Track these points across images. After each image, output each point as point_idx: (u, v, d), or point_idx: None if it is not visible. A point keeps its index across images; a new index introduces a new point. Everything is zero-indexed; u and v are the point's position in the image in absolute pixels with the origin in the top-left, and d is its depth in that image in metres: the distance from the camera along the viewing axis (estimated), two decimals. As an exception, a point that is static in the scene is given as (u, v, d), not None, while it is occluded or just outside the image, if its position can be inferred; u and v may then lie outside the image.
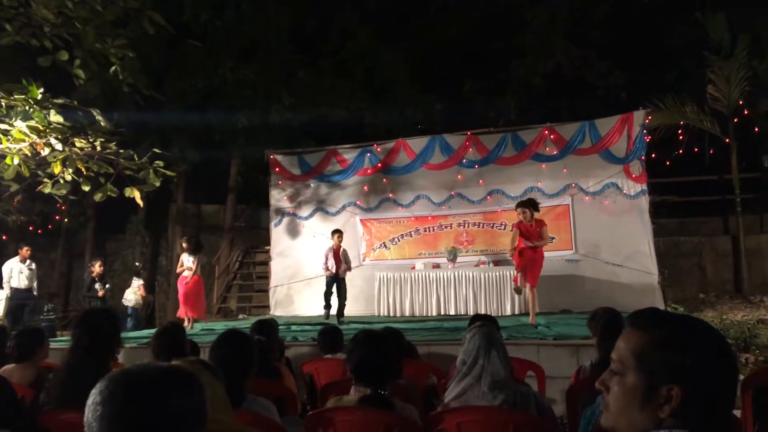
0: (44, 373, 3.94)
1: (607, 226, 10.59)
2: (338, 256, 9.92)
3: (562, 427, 2.98)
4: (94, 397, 1.05)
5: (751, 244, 12.29)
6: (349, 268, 10.08)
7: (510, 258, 9.21)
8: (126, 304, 11.92)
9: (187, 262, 10.50)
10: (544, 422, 2.52)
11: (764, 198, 13.05)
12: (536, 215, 8.44)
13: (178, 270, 10.45)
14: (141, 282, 12.26)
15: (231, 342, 2.71)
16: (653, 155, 11.26)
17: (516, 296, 10.18)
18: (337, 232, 10.16)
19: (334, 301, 9.95)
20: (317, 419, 2.67)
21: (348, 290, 10.11)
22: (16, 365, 3.99)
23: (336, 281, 9.91)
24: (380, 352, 2.65)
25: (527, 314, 9.37)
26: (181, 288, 10.41)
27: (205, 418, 1.10)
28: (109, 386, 1.05)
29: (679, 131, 12.02)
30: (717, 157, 12.33)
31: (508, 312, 10.00)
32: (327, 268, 9.88)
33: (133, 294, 12.05)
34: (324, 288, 9.98)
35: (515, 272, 9.00)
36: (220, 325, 10.28)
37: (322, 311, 10.83)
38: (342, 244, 10.13)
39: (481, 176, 11.36)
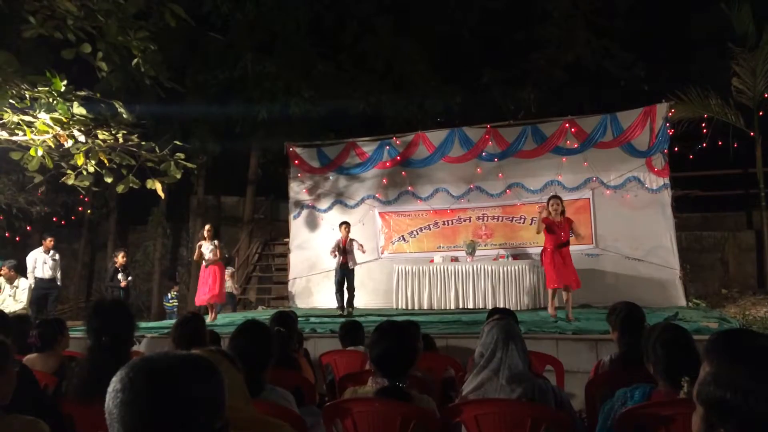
0: (66, 363, 3.99)
1: (628, 220, 10.48)
2: (345, 249, 9.96)
3: (580, 421, 2.96)
4: (114, 384, 1.06)
5: (775, 239, 12.08)
6: (354, 261, 10.08)
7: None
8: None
9: (207, 250, 10.60)
10: (563, 415, 2.51)
11: (789, 192, 12.81)
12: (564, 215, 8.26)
13: (196, 258, 10.52)
14: (232, 269, 12.42)
15: (250, 332, 2.72)
16: (676, 148, 11.10)
17: (535, 291, 10.14)
18: (344, 224, 10.19)
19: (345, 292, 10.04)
20: (335, 410, 2.69)
21: (366, 283, 10.18)
22: (39, 354, 4.06)
23: (344, 273, 9.95)
24: (404, 345, 2.66)
25: (545, 309, 9.33)
26: (205, 276, 10.48)
27: (224, 406, 1.12)
28: (129, 374, 1.06)
29: (703, 124, 11.82)
30: (741, 150, 12.12)
31: (527, 306, 9.94)
32: (335, 254, 9.95)
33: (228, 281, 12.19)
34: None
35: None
36: (239, 316, 10.37)
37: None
38: (355, 237, 10.19)
39: (501, 169, 11.30)
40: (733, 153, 11.94)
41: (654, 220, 10.37)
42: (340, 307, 10.04)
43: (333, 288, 11.43)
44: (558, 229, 8.12)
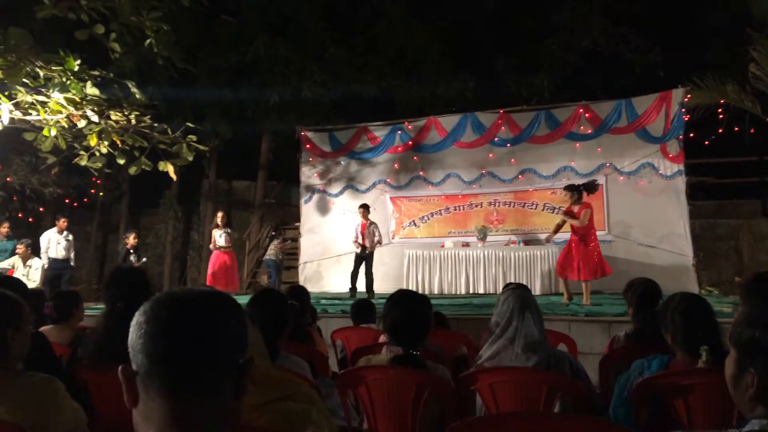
0: (81, 335, 4.02)
1: (641, 206, 10.41)
2: (364, 232, 9.99)
3: (597, 392, 2.94)
4: (138, 316, 1.06)
5: (791, 227, 11.98)
6: (373, 244, 10.08)
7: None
8: (268, 257, 12.86)
9: (219, 238, 10.67)
10: (578, 384, 2.49)
11: (805, 180, 12.68)
12: (586, 199, 8.16)
13: (211, 246, 10.64)
14: (278, 241, 12.84)
15: (267, 300, 2.72)
16: (691, 135, 10.98)
17: (546, 276, 10.11)
18: (361, 207, 10.20)
19: (360, 283, 10.06)
20: (349, 378, 2.68)
21: (377, 268, 10.16)
22: (54, 326, 4.08)
23: (363, 258, 9.96)
24: (418, 312, 2.64)
25: (557, 294, 9.32)
26: (214, 263, 10.59)
27: (247, 343, 1.10)
28: (154, 306, 1.05)
29: (719, 110, 11.67)
30: (757, 137, 11.97)
31: (538, 292, 9.91)
32: (357, 243, 9.95)
33: (272, 249, 12.74)
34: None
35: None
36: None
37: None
38: (370, 219, 10.18)
39: (513, 155, 11.24)
40: (749, 140, 11.79)
41: (668, 207, 10.29)
42: (352, 288, 10.05)
43: (344, 272, 11.53)
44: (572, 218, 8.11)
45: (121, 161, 8.67)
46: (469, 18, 15.74)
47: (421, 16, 15.29)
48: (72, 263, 11.11)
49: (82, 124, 7.86)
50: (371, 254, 10.09)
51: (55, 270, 10.68)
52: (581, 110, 10.71)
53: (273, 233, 13.33)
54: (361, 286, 10.10)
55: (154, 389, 1.00)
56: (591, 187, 8.30)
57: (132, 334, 1.04)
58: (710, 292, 10.36)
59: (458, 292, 10.55)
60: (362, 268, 10.10)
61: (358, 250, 10.05)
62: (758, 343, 1.15)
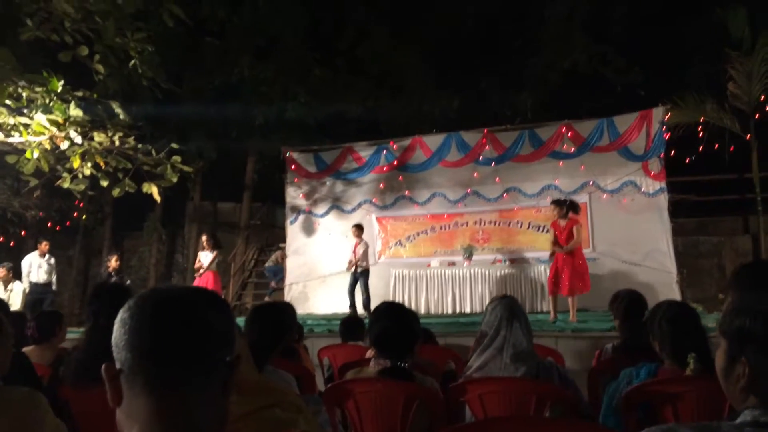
0: (63, 355, 3.95)
1: (625, 224, 10.47)
2: (355, 251, 10.05)
3: (586, 402, 2.93)
4: (123, 313, 1.04)
5: (772, 243, 12.09)
6: (361, 263, 10.12)
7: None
8: (269, 265, 13.43)
9: (205, 259, 10.59)
10: (568, 393, 2.48)
11: (785, 197, 12.83)
12: (572, 215, 8.25)
13: (196, 266, 10.56)
14: (281, 252, 13.17)
15: (266, 313, 2.72)
16: (672, 153, 11.12)
17: (533, 295, 10.14)
18: (354, 227, 10.26)
19: (358, 299, 10.14)
20: (336, 392, 2.65)
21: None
22: (36, 346, 4.01)
23: (355, 276, 10.02)
24: (402, 324, 2.62)
25: (544, 312, 9.32)
26: (199, 284, 10.49)
27: (234, 340, 1.08)
28: (138, 301, 1.03)
29: (699, 128, 11.85)
30: (737, 155, 12.14)
31: (526, 310, 9.88)
32: (350, 263, 10.13)
33: (274, 257, 13.37)
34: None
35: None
36: (239, 320, 10.29)
37: (338, 309, 10.95)
38: (363, 239, 10.34)
39: (498, 174, 11.29)
40: (729, 157, 11.96)
41: (651, 225, 10.36)
42: (351, 305, 10.12)
43: (330, 293, 11.57)
44: (559, 233, 8.15)
45: (105, 183, 8.61)
46: (452, 38, 15.94)
47: (405, 36, 15.46)
48: (54, 287, 10.97)
49: (65, 145, 7.81)
50: (365, 272, 10.09)
51: (37, 294, 10.54)
52: (564, 129, 10.82)
53: (281, 245, 13.51)
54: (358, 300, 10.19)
55: (138, 386, 0.98)
56: (575, 207, 8.39)
57: (116, 331, 1.02)
58: (695, 308, 10.41)
59: (445, 312, 10.53)
60: (358, 286, 10.18)
61: (352, 270, 10.07)
62: (748, 331, 1.14)
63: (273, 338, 2.65)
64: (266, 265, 13.69)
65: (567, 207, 8.24)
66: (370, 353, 3.35)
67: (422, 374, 2.78)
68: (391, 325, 2.58)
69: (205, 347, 1.01)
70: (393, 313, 2.66)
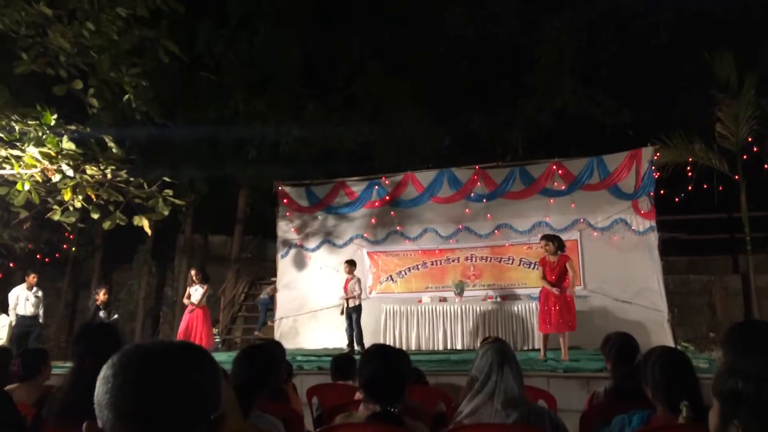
0: (48, 393, 3.88)
1: (615, 262, 10.50)
2: (347, 287, 10.02)
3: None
4: (105, 371, 1.02)
5: (762, 283, 12.15)
6: (354, 300, 10.08)
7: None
8: (262, 297, 13.58)
9: (194, 293, 10.51)
10: (560, 441, 2.45)
11: (774, 237, 12.96)
12: (561, 253, 8.28)
13: (185, 301, 10.48)
14: (273, 286, 13.15)
15: (251, 356, 2.69)
16: (662, 192, 11.25)
17: (524, 332, 10.09)
18: (346, 263, 10.24)
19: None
20: (325, 437, 2.61)
21: (354, 323, 10.16)
22: (21, 384, 3.95)
23: (348, 312, 10.04)
24: (392, 367, 2.59)
25: (535, 350, 9.27)
26: (186, 320, 10.39)
27: (219, 398, 1.07)
28: (122, 359, 1.02)
29: (688, 168, 12.01)
30: (726, 194, 12.29)
31: (516, 347, 9.85)
32: (343, 299, 10.11)
33: (266, 294, 13.40)
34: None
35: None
36: (224, 356, 10.17)
37: (329, 345, 10.88)
38: (355, 274, 10.30)
39: (489, 210, 11.34)
40: (718, 197, 12.09)
41: (641, 263, 10.39)
42: (349, 344, 10.06)
43: (320, 329, 11.52)
44: (549, 270, 8.14)
45: (96, 216, 8.56)
46: (444, 77, 16.18)
47: (398, 74, 15.67)
48: (41, 320, 10.84)
49: (56, 178, 7.79)
50: (357, 308, 10.05)
51: (23, 327, 10.41)
52: (554, 167, 10.91)
53: (272, 279, 13.47)
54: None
55: None
56: (563, 243, 8.43)
57: (98, 388, 1.00)
58: (686, 347, 10.40)
59: (436, 348, 10.45)
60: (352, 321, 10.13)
61: (344, 305, 10.02)
62: (741, 393, 1.14)
63: (260, 381, 2.62)
64: (260, 297, 13.67)
65: (558, 243, 8.27)
66: (359, 395, 3.31)
67: (413, 419, 2.75)
68: (381, 369, 2.55)
69: (189, 407, 1.00)
70: (383, 357, 2.63)
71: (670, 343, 9.69)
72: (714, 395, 1.22)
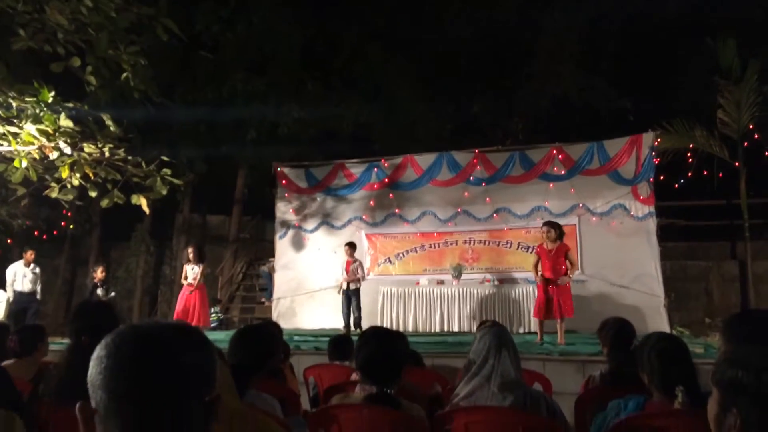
0: (45, 370, 3.89)
1: (614, 247, 10.51)
2: (349, 270, 10.02)
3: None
4: (99, 350, 1.00)
5: (759, 269, 12.18)
6: (356, 281, 10.11)
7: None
8: (263, 269, 13.75)
9: (191, 272, 10.48)
10: (555, 424, 2.46)
11: (773, 224, 12.97)
12: (560, 241, 8.24)
13: (183, 282, 10.46)
14: (271, 264, 13.18)
15: (250, 336, 2.68)
16: (662, 178, 11.20)
17: (521, 315, 10.13)
18: (347, 245, 10.23)
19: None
20: (322, 417, 2.62)
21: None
22: (17, 360, 3.96)
23: (348, 294, 10.01)
24: (389, 349, 2.59)
25: (531, 333, 9.30)
26: (183, 299, 10.37)
27: (214, 380, 1.06)
28: (116, 339, 1.00)
29: (688, 154, 11.98)
30: (726, 181, 12.28)
31: (512, 331, 9.89)
32: (344, 281, 10.11)
33: (267, 268, 13.49)
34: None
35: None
36: (222, 335, 10.20)
37: (326, 325, 10.90)
38: (355, 257, 10.34)
39: (488, 194, 11.32)
40: (718, 184, 12.08)
41: (639, 248, 10.40)
42: (346, 326, 10.07)
43: (317, 309, 11.54)
44: (546, 258, 8.12)
45: (93, 194, 8.55)
46: (446, 60, 16.07)
47: (399, 57, 15.55)
48: (38, 297, 10.84)
49: (54, 155, 7.76)
50: (357, 290, 10.08)
51: (21, 303, 10.42)
52: (555, 151, 10.86)
53: (270, 259, 13.48)
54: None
55: (113, 428, 0.95)
56: (562, 231, 8.41)
57: (92, 369, 0.99)
58: (681, 333, 10.43)
59: (433, 330, 10.49)
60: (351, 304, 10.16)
61: (344, 287, 10.04)
62: (741, 383, 1.14)
63: (257, 361, 2.62)
64: (262, 268, 13.73)
65: (559, 231, 8.25)
66: (355, 376, 3.32)
67: (408, 400, 2.75)
68: (378, 352, 2.55)
69: (184, 389, 0.99)
70: (380, 339, 2.63)
71: (666, 329, 9.74)
72: (714, 384, 1.21)
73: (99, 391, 0.97)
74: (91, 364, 1.00)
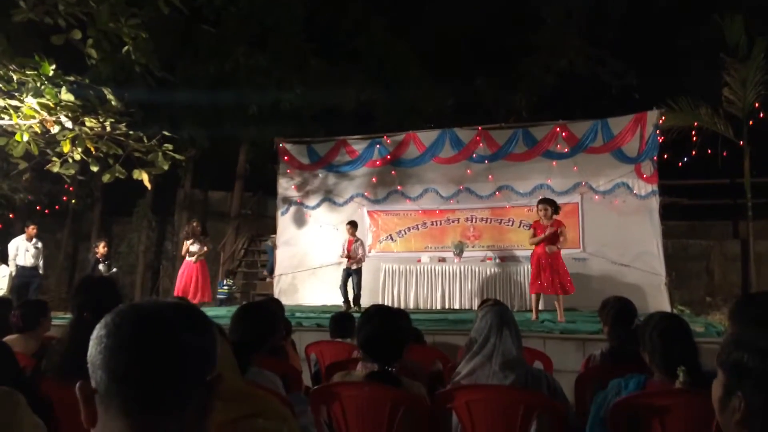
0: (47, 345, 3.90)
1: (616, 225, 10.49)
2: (350, 249, 10.01)
3: (573, 411, 2.91)
4: (99, 330, 0.99)
5: (761, 249, 12.18)
6: (357, 261, 10.10)
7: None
8: (268, 243, 13.92)
9: (193, 247, 10.51)
10: (556, 403, 2.47)
11: (776, 203, 12.92)
12: (556, 217, 8.29)
13: (183, 253, 10.48)
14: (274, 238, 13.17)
15: (251, 313, 2.69)
16: (665, 156, 11.14)
17: (522, 293, 10.14)
18: (348, 224, 10.21)
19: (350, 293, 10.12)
20: (323, 394, 2.62)
21: (353, 281, 10.21)
22: (20, 335, 3.97)
23: (348, 274, 9.98)
24: (391, 327, 2.59)
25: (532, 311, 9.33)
26: (183, 274, 10.40)
27: (215, 360, 1.05)
28: (116, 319, 0.99)
29: (693, 133, 11.90)
30: (730, 160, 12.21)
31: (514, 308, 9.91)
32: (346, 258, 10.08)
33: (270, 241, 13.50)
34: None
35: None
36: (224, 311, 10.26)
37: (327, 301, 10.92)
38: (357, 236, 10.28)
39: (491, 171, 11.27)
40: (722, 162, 12.02)
41: (641, 227, 10.38)
42: (345, 301, 10.09)
43: (319, 285, 11.56)
44: (540, 233, 8.15)
45: (95, 168, 8.52)
46: (450, 35, 15.90)
47: (402, 32, 15.39)
48: (41, 271, 10.88)
49: (55, 130, 7.72)
50: (359, 270, 10.08)
51: (23, 278, 10.46)
52: (558, 129, 10.80)
53: (273, 236, 13.46)
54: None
55: (114, 408, 0.94)
56: (558, 208, 8.42)
57: (91, 348, 0.98)
58: (682, 311, 10.45)
59: (434, 307, 10.52)
60: (350, 282, 10.13)
61: (346, 264, 10.05)
62: (746, 366, 1.13)
63: (259, 338, 2.63)
64: (266, 243, 13.86)
65: (554, 207, 8.27)
66: (357, 353, 3.33)
67: (410, 378, 2.76)
68: (380, 330, 2.55)
69: (184, 369, 0.98)
70: (382, 317, 2.63)
71: (667, 307, 9.76)
72: (718, 366, 1.21)
73: (99, 371, 0.96)
74: (91, 343, 0.99)
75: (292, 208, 12.48)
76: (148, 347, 0.96)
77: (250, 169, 15.75)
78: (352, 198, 12.12)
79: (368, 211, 12.00)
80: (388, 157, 11.73)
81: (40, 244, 10.83)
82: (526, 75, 15.75)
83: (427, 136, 11.63)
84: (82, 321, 2.85)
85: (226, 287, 13.54)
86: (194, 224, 10.65)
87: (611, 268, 10.34)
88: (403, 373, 2.82)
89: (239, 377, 1.70)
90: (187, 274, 10.51)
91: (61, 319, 7.40)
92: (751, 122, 11.76)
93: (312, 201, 12.37)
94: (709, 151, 12.01)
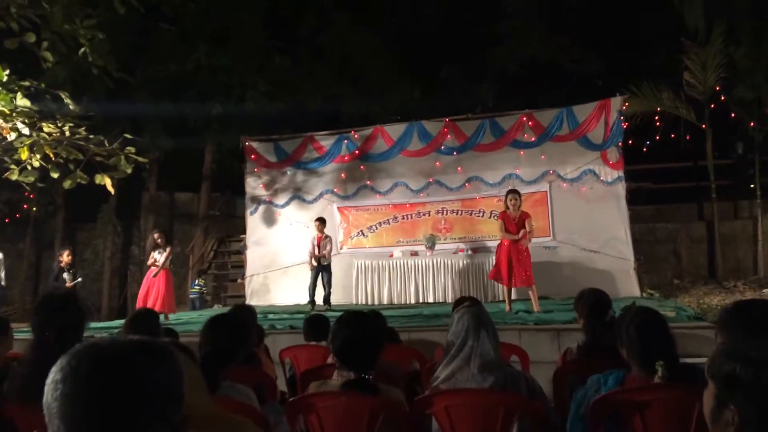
0: (9, 364, 3.75)
1: (584, 212, 10.58)
2: (320, 245, 9.88)
3: (554, 410, 2.90)
4: (54, 374, 0.92)
5: (725, 230, 12.42)
6: (326, 257, 9.98)
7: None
8: (242, 245, 13.13)
9: (159, 257, 10.18)
10: (536, 404, 2.44)
11: (738, 184, 13.19)
12: (522, 208, 8.32)
13: (149, 263, 10.16)
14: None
15: (220, 327, 2.60)
16: (630, 142, 11.28)
17: (494, 284, 10.16)
18: (317, 221, 10.09)
19: (318, 294, 9.92)
20: (298, 406, 2.56)
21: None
22: (-21, 356, 3.81)
23: (319, 271, 9.85)
24: (366, 334, 2.53)
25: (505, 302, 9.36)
26: (146, 284, 10.05)
27: (182, 396, 0.98)
28: (71, 361, 0.92)
29: (656, 117, 12.06)
30: (693, 143, 12.42)
31: (487, 299, 9.94)
32: (314, 257, 9.83)
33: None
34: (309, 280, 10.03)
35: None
36: (194, 314, 10.10)
37: (300, 301, 10.79)
38: (326, 233, 10.12)
39: (460, 163, 11.28)
40: (685, 146, 12.22)
41: (609, 213, 10.49)
42: (311, 301, 9.91)
43: (291, 285, 11.41)
44: (512, 224, 8.16)
45: (55, 175, 8.29)
46: (413, 28, 15.85)
47: (366, 25, 15.28)
48: (2, 283, 10.55)
49: (12, 137, 7.50)
50: (328, 266, 9.97)
51: (-16, 291, 10.13)
52: (524, 118, 10.85)
53: (242, 236, 13.22)
54: (319, 298, 9.96)
55: None
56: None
57: (47, 394, 0.90)
58: (651, 295, 10.62)
59: (408, 302, 10.50)
60: (319, 280, 9.96)
61: (315, 263, 9.91)
62: (738, 377, 1.09)
63: (230, 350, 2.55)
64: (242, 244, 13.44)
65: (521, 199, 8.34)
66: (332, 358, 3.27)
67: (386, 381, 2.71)
68: (354, 338, 2.49)
69: (148, 412, 0.91)
70: (356, 324, 2.57)
71: (636, 292, 9.90)
72: (709, 378, 1.17)
73: (56, 420, 0.88)
74: (46, 389, 0.91)
75: (261, 207, 12.33)
76: (107, 393, 0.89)
77: (216, 169, 15.52)
78: (321, 195, 12.01)
79: (338, 208, 11.91)
80: (357, 152, 11.66)
81: (1, 255, 10.50)
82: (491, 64, 15.78)
83: (394, 130, 11.58)
84: (43, 341, 2.73)
85: (197, 287, 13.36)
86: (155, 236, 10.29)
87: (581, 255, 10.44)
88: (379, 376, 2.77)
89: (209, 401, 1.63)
90: (149, 283, 10.13)
91: (25, 332, 7.17)
92: (712, 105, 11.96)
93: (281, 199, 12.23)
94: (672, 135, 12.19)
